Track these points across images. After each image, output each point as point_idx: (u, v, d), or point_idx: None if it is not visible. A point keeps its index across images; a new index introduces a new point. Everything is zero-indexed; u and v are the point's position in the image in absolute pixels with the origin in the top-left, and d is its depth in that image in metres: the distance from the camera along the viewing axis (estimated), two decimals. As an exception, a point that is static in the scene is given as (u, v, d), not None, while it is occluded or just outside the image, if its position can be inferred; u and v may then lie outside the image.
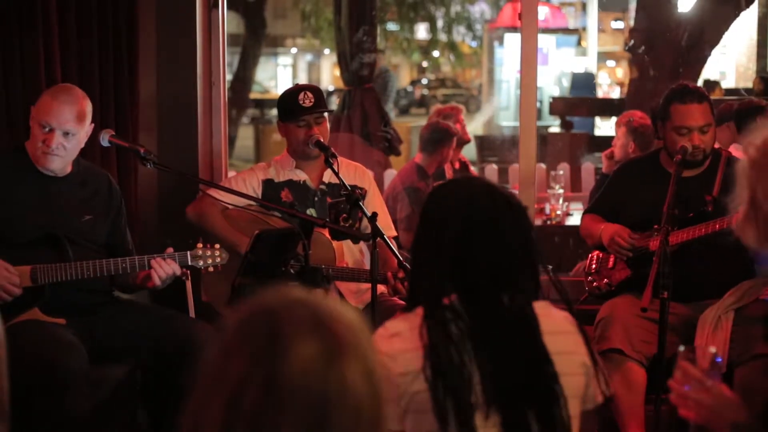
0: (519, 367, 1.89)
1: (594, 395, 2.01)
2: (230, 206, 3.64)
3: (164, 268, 3.27)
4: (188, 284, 3.82)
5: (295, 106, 3.67)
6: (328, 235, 3.32)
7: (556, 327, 1.97)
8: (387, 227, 3.65)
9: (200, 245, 3.36)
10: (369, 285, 3.08)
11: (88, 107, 3.36)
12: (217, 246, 3.38)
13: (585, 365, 1.98)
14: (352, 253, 3.73)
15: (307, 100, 3.65)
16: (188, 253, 3.32)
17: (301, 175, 3.79)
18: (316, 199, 3.76)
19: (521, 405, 1.87)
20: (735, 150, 4.52)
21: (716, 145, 3.66)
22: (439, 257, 1.97)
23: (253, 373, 1.21)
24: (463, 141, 5.99)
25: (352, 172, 3.80)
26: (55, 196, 3.37)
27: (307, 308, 1.26)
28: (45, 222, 3.31)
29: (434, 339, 1.88)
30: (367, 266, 3.62)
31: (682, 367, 1.86)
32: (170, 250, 3.33)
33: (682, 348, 1.90)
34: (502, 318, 1.91)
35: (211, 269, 3.36)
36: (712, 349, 1.87)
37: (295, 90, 3.73)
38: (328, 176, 3.78)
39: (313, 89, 3.73)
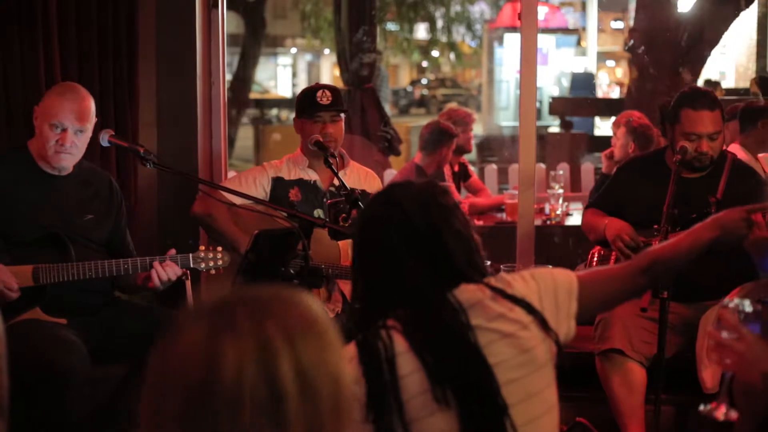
0: (456, 366, 1.84)
1: (562, 336, 1.94)
2: (236, 205, 3.64)
3: (166, 271, 3.26)
4: (188, 284, 3.81)
5: (312, 102, 3.70)
6: (330, 234, 3.33)
7: (497, 311, 1.89)
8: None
9: (203, 247, 3.36)
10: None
11: (93, 103, 3.38)
12: (220, 249, 3.38)
13: (540, 333, 1.90)
14: (357, 256, 3.72)
15: (324, 98, 3.69)
16: (190, 255, 3.32)
17: (312, 175, 3.79)
18: (324, 200, 3.76)
19: (468, 403, 1.83)
20: (737, 149, 4.53)
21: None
22: (371, 268, 1.97)
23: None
24: (464, 150, 5.97)
25: (363, 176, 3.81)
26: (57, 195, 3.37)
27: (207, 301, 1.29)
28: (47, 221, 3.31)
29: (363, 367, 1.83)
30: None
31: (720, 315, 1.87)
32: (173, 251, 3.32)
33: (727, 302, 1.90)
34: (435, 318, 1.87)
35: (212, 272, 3.35)
36: (746, 302, 1.90)
37: (315, 87, 3.77)
38: None
39: (332, 89, 3.76)
